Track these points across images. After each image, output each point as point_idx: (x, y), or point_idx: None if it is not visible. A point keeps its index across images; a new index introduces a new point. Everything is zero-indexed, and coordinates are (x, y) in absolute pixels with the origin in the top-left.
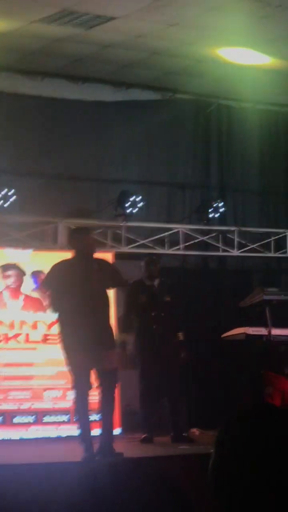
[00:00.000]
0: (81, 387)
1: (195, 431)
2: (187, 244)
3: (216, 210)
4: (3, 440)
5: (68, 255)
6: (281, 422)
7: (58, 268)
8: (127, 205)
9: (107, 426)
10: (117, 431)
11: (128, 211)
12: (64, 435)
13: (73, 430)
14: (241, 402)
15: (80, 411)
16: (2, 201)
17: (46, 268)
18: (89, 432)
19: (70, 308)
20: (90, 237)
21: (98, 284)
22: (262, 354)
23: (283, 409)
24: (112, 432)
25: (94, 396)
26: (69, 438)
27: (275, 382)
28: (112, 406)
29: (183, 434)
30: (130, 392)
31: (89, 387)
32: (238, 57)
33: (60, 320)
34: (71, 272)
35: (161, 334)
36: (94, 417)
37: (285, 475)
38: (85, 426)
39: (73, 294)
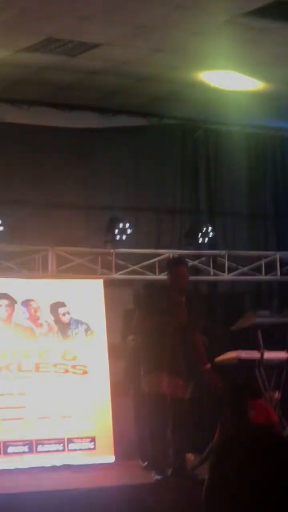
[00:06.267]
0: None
1: (190, 456)
2: None
3: (205, 234)
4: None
5: (55, 282)
6: (274, 445)
7: (162, 290)
8: (116, 231)
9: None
10: (110, 458)
11: (117, 237)
12: (59, 464)
13: (68, 458)
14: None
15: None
16: None
17: (37, 296)
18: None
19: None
20: (183, 272)
21: (186, 318)
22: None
23: (273, 432)
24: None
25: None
26: (64, 466)
27: (257, 405)
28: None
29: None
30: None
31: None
32: (224, 81)
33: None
34: (168, 299)
35: None
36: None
37: (278, 495)
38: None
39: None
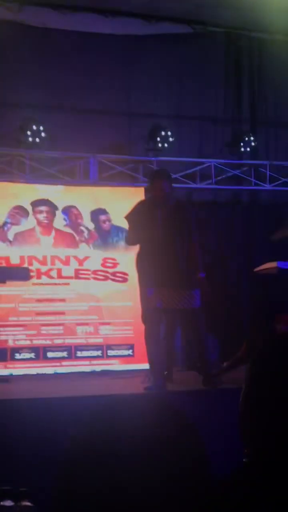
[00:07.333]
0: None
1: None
2: (218, 178)
3: (248, 144)
4: (38, 375)
5: (97, 190)
6: None
7: (139, 206)
8: (158, 139)
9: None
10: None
11: (159, 145)
12: (98, 369)
13: (107, 365)
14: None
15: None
16: (33, 137)
17: (78, 204)
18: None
19: (141, 248)
20: (158, 185)
21: (166, 231)
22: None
23: None
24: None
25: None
26: (104, 372)
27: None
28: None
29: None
30: None
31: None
32: None
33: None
34: (145, 214)
35: None
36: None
37: None
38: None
39: (144, 235)
